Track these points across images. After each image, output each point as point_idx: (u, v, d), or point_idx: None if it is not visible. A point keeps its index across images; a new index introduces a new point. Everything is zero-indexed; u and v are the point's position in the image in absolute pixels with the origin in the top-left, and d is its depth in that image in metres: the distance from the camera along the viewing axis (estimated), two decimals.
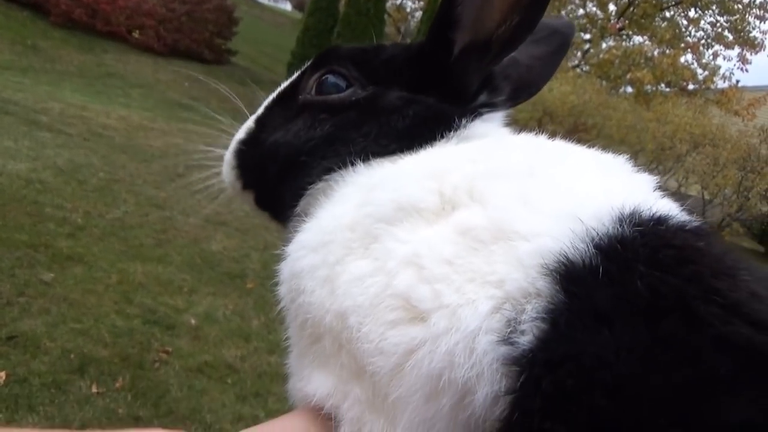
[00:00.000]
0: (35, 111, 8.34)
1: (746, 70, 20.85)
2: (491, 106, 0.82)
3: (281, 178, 0.79)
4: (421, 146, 0.73)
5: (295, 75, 0.90)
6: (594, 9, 22.15)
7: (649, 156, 15.26)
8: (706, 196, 15.12)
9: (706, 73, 20.95)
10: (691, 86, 20.96)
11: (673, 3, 21.19)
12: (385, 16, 18.56)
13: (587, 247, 0.48)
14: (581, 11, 22.49)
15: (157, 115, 11.04)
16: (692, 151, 14.85)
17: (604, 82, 20.16)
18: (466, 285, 0.51)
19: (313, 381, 0.61)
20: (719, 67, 20.92)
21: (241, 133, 0.87)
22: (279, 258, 0.70)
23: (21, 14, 14.44)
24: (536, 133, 0.75)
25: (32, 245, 4.40)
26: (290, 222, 0.76)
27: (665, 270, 0.46)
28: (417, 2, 23.87)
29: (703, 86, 20.88)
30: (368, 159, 0.72)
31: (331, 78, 0.81)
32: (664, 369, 0.41)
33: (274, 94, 0.90)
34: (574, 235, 0.50)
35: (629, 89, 20.74)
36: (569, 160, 0.65)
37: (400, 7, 24.16)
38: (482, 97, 0.81)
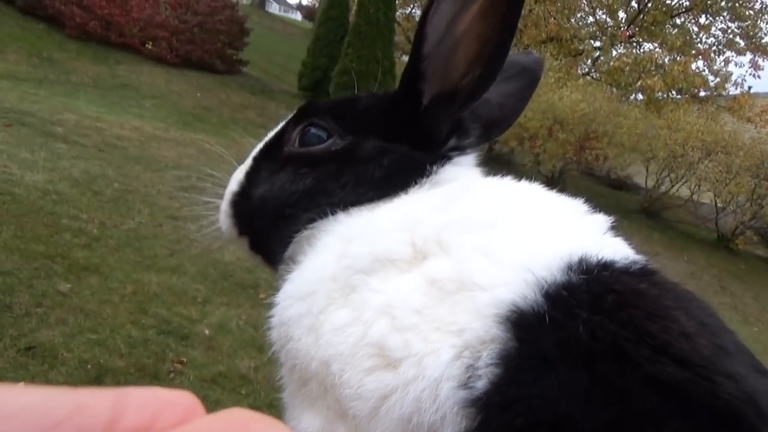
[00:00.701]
0: (51, 122, 8.46)
1: (758, 77, 20.76)
2: (461, 149, 0.87)
3: (270, 228, 0.84)
4: (397, 193, 0.78)
5: (280, 126, 0.94)
6: (604, 16, 22.14)
7: (660, 163, 15.18)
8: (719, 204, 14.97)
9: (718, 79, 20.85)
10: (702, 93, 20.85)
11: (684, 10, 21.14)
12: (395, 26, 18.67)
13: (536, 295, 0.53)
14: (591, 18, 22.48)
15: (170, 125, 11.16)
16: (704, 158, 14.74)
17: (614, 90, 20.11)
18: (432, 334, 0.55)
19: (303, 420, 0.66)
20: (731, 74, 20.83)
21: (233, 186, 0.92)
22: (268, 305, 0.76)
23: (37, 26, 14.68)
24: (501, 175, 0.81)
25: (49, 256, 4.46)
26: (280, 267, 0.83)
27: (604, 315, 0.50)
28: None
29: (715, 93, 20.76)
30: (347, 208, 0.77)
31: (312, 130, 0.86)
32: (599, 407, 0.47)
33: (260, 146, 0.94)
34: (526, 285, 0.55)
35: (640, 97, 20.67)
36: (528, 209, 0.69)
37: (410, 17, 24.28)
38: (452, 142, 0.87)
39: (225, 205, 0.92)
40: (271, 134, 0.95)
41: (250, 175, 0.91)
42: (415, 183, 0.79)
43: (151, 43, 15.57)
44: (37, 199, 5.47)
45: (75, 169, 6.72)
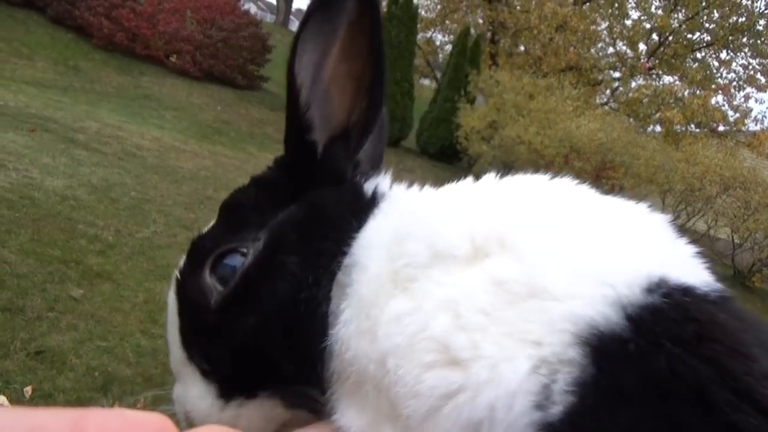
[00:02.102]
0: (73, 129, 8.61)
1: None
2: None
3: (291, 337, 0.69)
4: (372, 216, 0.73)
5: (172, 310, 0.76)
6: (624, 48, 22.20)
7: (677, 197, 15.05)
8: (736, 240, 14.79)
9: (738, 115, 20.74)
10: (721, 128, 20.73)
11: (705, 44, 21.14)
12: (416, 49, 18.85)
13: (619, 317, 0.49)
14: (611, 49, 22.55)
15: (189, 137, 11.30)
16: (722, 193, 14.60)
17: (632, 121, 20.07)
18: (503, 339, 0.51)
19: (347, 416, 0.62)
20: (751, 110, 20.72)
21: (202, 401, 0.71)
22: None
23: (66, 36, 15.04)
24: (553, 176, 0.74)
25: (64, 261, 4.50)
26: (323, 375, 0.67)
27: (685, 347, 0.47)
28: (447, 36, 24.21)
29: (734, 128, 20.63)
30: (349, 247, 0.70)
31: (224, 261, 0.72)
32: None
33: (177, 346, 0.74)
34: (605, 301, 0.50)
35: (658, 128, 20.60)
36: (602, 215, 0.64)
37: (430, 41, 24.53)
38: (358, 178, 0.81)
39: (224, 414, 0.71)
40: (172, 323, 0.76)
41: (212, 361, 0.71)
42: (375, 203, 0.75)
43: (175, 56, 15.87)
44: (55, 204, 5.53)
45: (94, 176, 6.81)
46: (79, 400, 3.12)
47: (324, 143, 0.77)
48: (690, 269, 0.57)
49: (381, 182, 0.82)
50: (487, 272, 0.56)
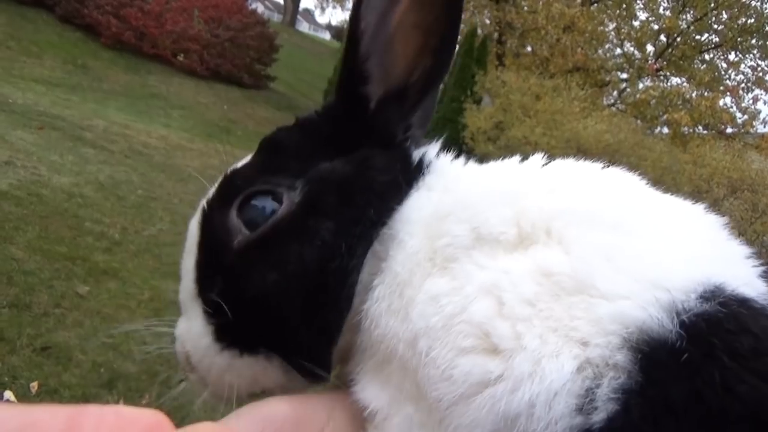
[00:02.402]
0: (81, 127, 8.65)
1: None
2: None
3: (311, 304, 0.65)
4: (417, 187, 0.69)
5: (193, 237, 0.73)
6: (632, 49, 22.11)
7: (684, 198, 14.98)
8: (744, 243, 14.70)
9: (746, 117, 20.61)
10: (729, 130, 20.61)
11: (713, 46, 21.02)
12: None
13: (672, 323, 0.45)
14: (619, 50, 22.46)
15: (195, 135, 11.34)
16: (730, 195, 14.52)
17: (639, 122, 19.98)
18: (548, 333, 0.49)
19: (368, 390, 0.60)
20: (759, 112, 20.56)
21: (202, 339, 0.68)
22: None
23: (74, 35, 15.12)
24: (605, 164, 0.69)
25: (71, 258, 4.52)
26: (332, 350, 0.66)
27: (742, 363, 0.44)
28: None
29: (743, 130, 20.51)
30: (390, 218, 0.66)
31: (249, 205, 0.68)
32: None
33: (190, 278, 0.71)
34: (657, 304, 0.47)
35: (665, 130, 20.51)
36: (656, 212, 0.59)
37: None
38: (408, 143, 0.76)
39: (214, 363, 0.68)
40: (190, 251, 0.72)
41: (224, 293, 0.67)
42: (422, 174, 0.71)
43: (182, 55, 15.93)
44: (62, 202, 5.57)
45: (101, 173, 6.84)
46: (85, 396, 3.14)
47: (378, 99, 0.73)
48: (747, 277, 0.53)
49: (429, 151, 0.76)
50: (534, 261, 0.53)
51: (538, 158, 0.69)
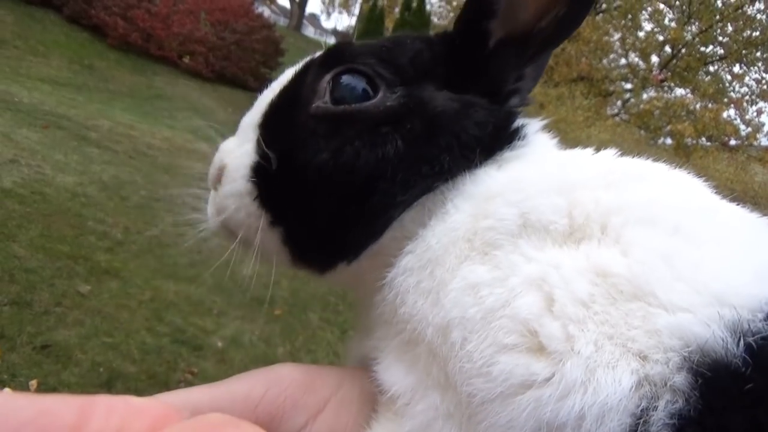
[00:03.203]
0: (86, 127, 8.68)
1: None
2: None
3: (344, 209, 0.63)
4: (494, 155, 0.65)
5: (285, 79, 0.73)
6: (636, 59, 22.14)
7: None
8: None
9: (750, 129, 20.63)
10: (733, 142, 20.61)
11: (718, 58, 21.04)
12: None
13: (737, 346, 0.41)
14: (623, 60, 22.50)
15: (199, 137, 11.37)
16: None
17: (643, 132, 20.00)
18: (604, 341, 0.44)
19: (391, 371, 0.56)
20: (763, 125, 20.58)
21: (245, 158, 0.69)
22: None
23: (81, 35, 15.19)
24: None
25: (73, 257, 4.53)
26: (338, 265, 0.66)
27: None
28: None
29: (746, 143, 20.50)
30: (456, 177, 0.63)
31: (346, 79, 0.66)
32: None
33: (263, 106, 0.72)
34: (723, 323, 0.43)
35: (669, 141, 20.50)
36: (718, 219, 0.54)
37: None
38: (514, 100, 0.72)
39: (240, 182, 0.68)
40: (275, 89, 0.73)
41: (273, 143, 0.67)
42: (509, 145, 0.66)
43: (188, 57, 15.98)
44: (66, 200, 5.58)
45: (105, 173, 6.86)
46: (84, 395, 3.14)
47: (498, 39, 0.68)
48: None
49: (532, 124, 0.72)
50: (588, 258, 0.49)
51: (609, 152, 0.65)
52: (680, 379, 0.41)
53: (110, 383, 3.32)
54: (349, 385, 0.59)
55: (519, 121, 0.70)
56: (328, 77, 0.67)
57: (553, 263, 0.50)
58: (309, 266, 0.69)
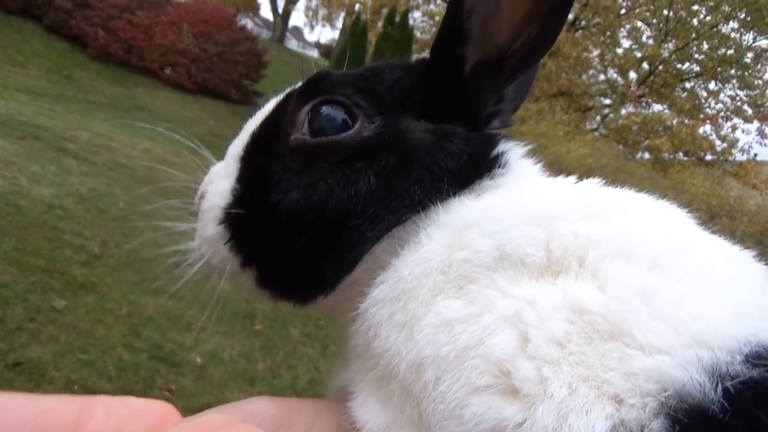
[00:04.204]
0: (64, 138, 8.55)
1: (765, 145, 20.91)
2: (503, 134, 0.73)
3: (314, 247, 0.63)
4: (471, 185, 0.65)
5: (270, 107, 0.75)
6: (615, 75, 22.53)
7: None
8: None
9: (725, 145, 21.05)
10: (709, 157, 21.03)
11: (694, 75, 21.51)
12: None
13: (715, 391, 0.40)
14: (602, 76, 22.88)
15: (180, 149, 11.26)
16: (708, 221, 14.71)
17: (621, 147, 20.32)
18: (578, 383, 0.43)
19: (365, 407, 0.55)
20: (738, 140, 21.02)
21: (219, 198, 0.70)
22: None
23: (60, 45, 15.02)
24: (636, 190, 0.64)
25: (48, 271, 4.43)
26: (317, 298, 0.66)
27: None
28: None
29: (722, 158, 20.93)
30: (428, 208, 0.62)
31: (325, 110, 0.67)
32: None
33: (245, 138, 0.74)
34: (700, 366, 0.41)
35: (647, 156, 20.86)
36: (698, 253, 0.53)
37: None
38: (495, 123, 0.73)
39: (212, 226, 0.69)
40: (258, 119, 0.74)
41: (249, 181, 0.68)
42: (488, 174, 0.66)
43: (170, 68, 15.89)
44: (41, 213, 5.47)
45: (83, 185, 6.75)
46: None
47: (474, 63, 0.68)
48: None
49: (514, 150, 0.71)
50: (565, 293, 0.48)
51: (592, 182, 0.65)
52: (657, 426, 0.40)
53: None
54: (325, 421, 0.57)
55: (501, 147, 0.69)
56: (306, 108, 0.68)
57: (529, 299, 0.48)
58: (288, 300, 0.70)
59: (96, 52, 15.18)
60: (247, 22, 24.93)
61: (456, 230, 0.58)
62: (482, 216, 0.57)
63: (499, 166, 0.67)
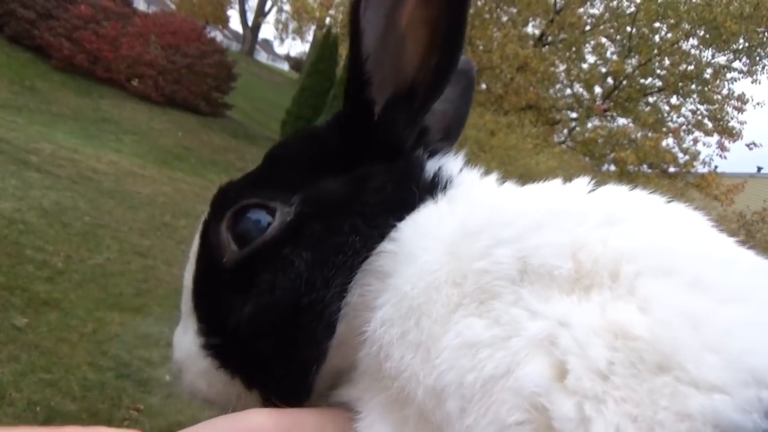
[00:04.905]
0: (26, 151, 8.30)
1: (724, 157, 21.62)
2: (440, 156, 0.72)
3: (283, 343, 0.61)
4: (414, 208, 0.62)
5: (195, 246, 0.72)
6: (581, 90, 23.05)
7: None
8: None
9: (687, 157, 21.68)
10: (672, 169, 21.62)
11: (656, 89, 22.15)
12: None
13: None
14: (569, 91, 23.38)
15: (147, 162, 11.06)
16: None
17: (588, 159, 20.74)
18: (627, 425, 0.37)
19: (375, 429, 0.51)
20: (699, 153, 21.68)
21: (193, 346, 0.67)
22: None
23: (23, 56, 14.64)
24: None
25: (8, 287, 4.27)
26: (314, 380, 0.62)
27: None
28: None
29: (684, 170, 21.54)
30: (375, 248, 0.60)
31: (244, 216, 0.65)
32: None
33: (189, 285, 0.70)
34: (762, 409, 0.36)
35: (613, 168, 21.32)
36: (739, 270, 0.47)
37: None
38: (420, 152, 0.71)
39: (200, 364, 0.67)
40: (191, 260, 0.71)
41: (210, 318, 0.66)
42: (433, 191, 0.64)
43: (137, 80, 15.62)
44: (2, 228, 5.28)
45: (46, 199, 6.55)
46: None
47: (384, 103, 0.67)
48: None
49: (448, 163, 0.69)
50: (603, 313, 0.42)
51: (582, 181, 0.60)
52: None
53: (48, 423, 3.10)
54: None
55: (433, 163, 0.68)
56: (224, 227, 0.66)
57: (562, 319, 0.43)
58: (296, 402, 0.64)
59: (60, 63, 14.82)
60: (217, 35, 24.76)
61: (458, 238, 0.54)
62: (489, 219, 0.53)
63: (444, 182, 0.66)
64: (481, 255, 0.50)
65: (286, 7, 32.36)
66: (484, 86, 22.73)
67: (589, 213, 0.50)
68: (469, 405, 0.43)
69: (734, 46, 19.93)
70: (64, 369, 3.60)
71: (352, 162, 0.67)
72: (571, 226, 0.49)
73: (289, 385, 0.63)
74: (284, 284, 0.60)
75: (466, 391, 0.43)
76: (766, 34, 19.09)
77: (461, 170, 0.70)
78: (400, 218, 0.61)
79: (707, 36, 19.60)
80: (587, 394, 0.39)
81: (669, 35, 20.42)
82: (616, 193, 0.57)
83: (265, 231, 0.63)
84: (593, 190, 0.59)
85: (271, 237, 0.62)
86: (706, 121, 22.02)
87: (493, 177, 0.71)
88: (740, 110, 21.33)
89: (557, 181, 0.63)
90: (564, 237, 0.48)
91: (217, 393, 0.67)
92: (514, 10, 20.82)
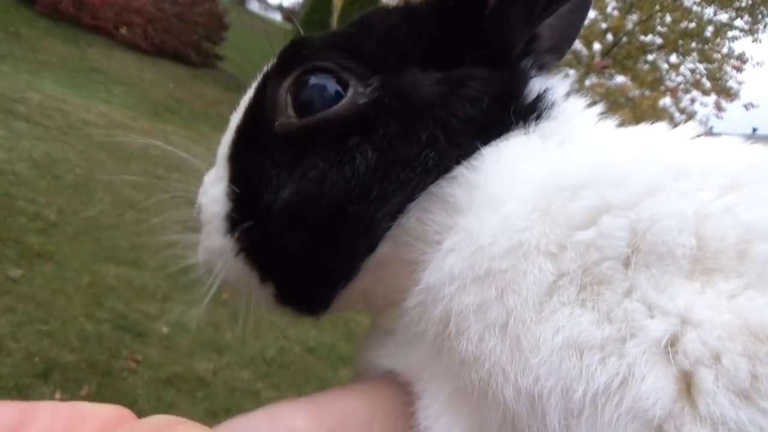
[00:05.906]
0: (13, 100, 8.10)
1: (721, 118, 21.53)
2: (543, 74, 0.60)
3: (315, 245, 0.53)
4: (504, 133, 0.52)
5: (248, 97, 0.64)
6: (580, 46, 22.69)
7: None
8: None
9: (684, 117, 21.57)
10: None
11: (656, 47, 21.83)
12: None
13: None
14: None
15: (138, 114, 10.85)
16: None
17: None
18: None
19: (441, 423, 0.43)
20: (696, 113, 21.57)
21: (217, 206, 0.60)
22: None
23: (5, 1, 14.13)
24: None
25: (1, 239, 4.22)
26: (333, 298, 0.56)
27: None
28: None
29: None
30: (449, 171, 0.50)
31: (311, 81, 0.55)
32: None
33: (230, 137, 0.62)
34: None
35: None
36: None
37: None
38: (525, 63, 0.60)
39: (217, 238, 0.59)
40: (240, 110, 0.63)
41: (241, 184, 0.58)
42: (524, 118, 0.53)
43: (125, 28, 15.17)
44: None
45: (35, 150, 6.42)
46: (18, 387, 2.93)
47: None
48: None
49: (556, 86, 0.58)
50: (735, 307, 0.34)
51: (690, 127, 0.49)
52: None
53: (46, 374, 3.12)
54: (379, 426, 0.45)
55: (538, 84, 0.57)
56: (286, 86, 0.57)
57: (687, 315, 0.35)
58: (308, 314, 0.60)
59: (45, 9, 14.33)
60: None
61: (552, 189, 0.43)
62: (596, 173, 0.42)
63: (544, 109, 0.54)
64: (584, 221, 0.40)
65: None
66: None
67: (709, 172, 0.40)
68: (574, 422, 0.36)
69: (737, 3, 19.56)
70: (61, 320, 3.59)
71: (447, 58, 0.55)
72: (692, 190, 0.39)
73: (308, 293, 0.56)
74: (336, 180, 0.51)
75: (571, 405, 0.36)
76: None
77: (567, 97, 0.58)
78: (486, 143, 0.51)
79: None
80: (725, 419, 0.31)
81: None
82: (728, 144, 0.46)
83: (332, 103, 0.53)
84: (697, 135, 0.48)
85: (337, 116, 0.53)
86: (704, 80, 21.83)
87: (602, 115, 0.59)
88: (739, 69, 21.13)
89: (663, 125, 0.52)
90: (687, 205, 0.38)
91: (230, 276, 0.60)
92: None
